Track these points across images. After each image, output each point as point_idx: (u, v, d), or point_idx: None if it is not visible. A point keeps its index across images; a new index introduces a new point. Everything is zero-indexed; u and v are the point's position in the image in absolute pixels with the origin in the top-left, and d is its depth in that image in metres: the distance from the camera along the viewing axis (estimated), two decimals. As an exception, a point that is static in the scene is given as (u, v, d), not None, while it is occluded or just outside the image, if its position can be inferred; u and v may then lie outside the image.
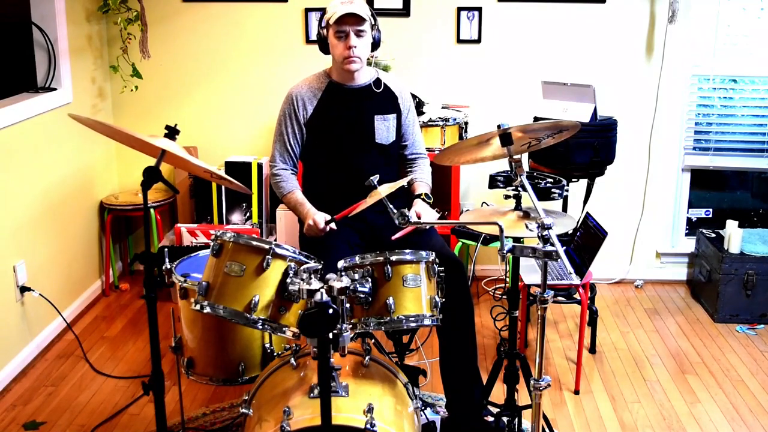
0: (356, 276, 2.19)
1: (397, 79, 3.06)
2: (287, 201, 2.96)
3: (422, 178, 3.05)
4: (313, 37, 4.19)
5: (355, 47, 2.78)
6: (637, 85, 4.20)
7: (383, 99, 2.96)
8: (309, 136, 2.94)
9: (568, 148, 3.47)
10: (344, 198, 2.72)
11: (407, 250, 2.23)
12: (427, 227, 2.81)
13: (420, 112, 3.83)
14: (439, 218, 4.06)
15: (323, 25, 2.87)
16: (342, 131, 2.92)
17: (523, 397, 2.73)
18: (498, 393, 2.85)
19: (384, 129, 2.95)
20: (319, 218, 2.76)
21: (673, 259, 4.42)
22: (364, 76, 2.94)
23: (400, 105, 3.00)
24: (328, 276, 2.10)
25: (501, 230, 2.10)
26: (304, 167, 3.06)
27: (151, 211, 4.14)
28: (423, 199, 2.88)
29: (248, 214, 4.15)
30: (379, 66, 3.98)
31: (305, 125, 2.92)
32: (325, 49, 2.92)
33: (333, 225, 2.74)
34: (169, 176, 4.29)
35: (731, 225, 3.93)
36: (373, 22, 2.86)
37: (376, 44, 2.90)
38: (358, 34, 2.79)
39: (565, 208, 3.80)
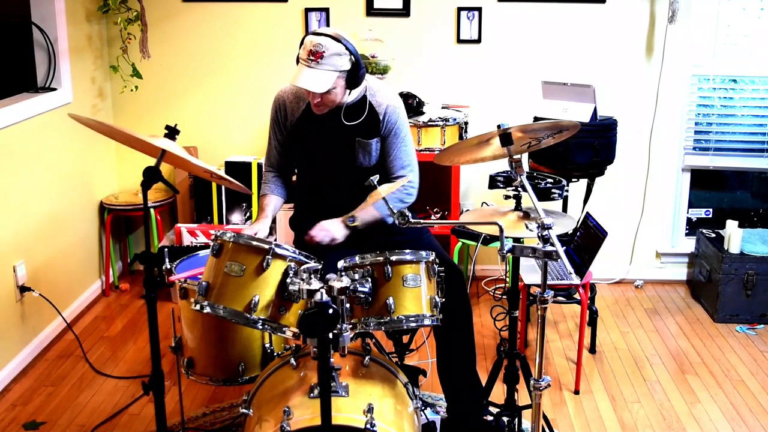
0: (356, 276, 2.19)
1: (386, 94, 2.74)
2: (258, 203, 2.91)
3: (378, 195, 2.64)
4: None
5: (318, 105, 2.60)
6: (637, 85, 4.20)
7: (366, 123, 2.71)
8: (292, 143, 2.82)
9: (568, 148, 3.47)
10: (322, 212, 2.66)
11: (407, 250, 2.23)
12: (424, 235, 2.77)
13: (420, 112, 3.83)
14: (439, 218, 4.08)
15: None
16: (321, 150, 2.76)
17: (523, 397, 2.73)
18: (498, 393, 2.85)
19: (365, 153, 2.73)
20: (253, 228, 2.67)
21: (673, 259, 4.42)
22: (349, 98, 2.68)
23: (382, 127, 2.71)
24: (328, 276, 2.10)
25: (501, 230, 2.10)
26: (297, 169, 2.96)
27: (151, 211, 4.14)
28: (345, 221, 2.65)
29: (248, 214, 4.15)
30: (378, 66, 3.98)
31: (288, 133, 2.80)
32: None
33: (259, 234, 2.63)
34: (169, 176, 4.29)
35: (731, 225, 3.92)
36: (344, 67, 2.51)
37: (357, 79, 2.57)
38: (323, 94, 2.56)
39: (565, 208, 3.80)
